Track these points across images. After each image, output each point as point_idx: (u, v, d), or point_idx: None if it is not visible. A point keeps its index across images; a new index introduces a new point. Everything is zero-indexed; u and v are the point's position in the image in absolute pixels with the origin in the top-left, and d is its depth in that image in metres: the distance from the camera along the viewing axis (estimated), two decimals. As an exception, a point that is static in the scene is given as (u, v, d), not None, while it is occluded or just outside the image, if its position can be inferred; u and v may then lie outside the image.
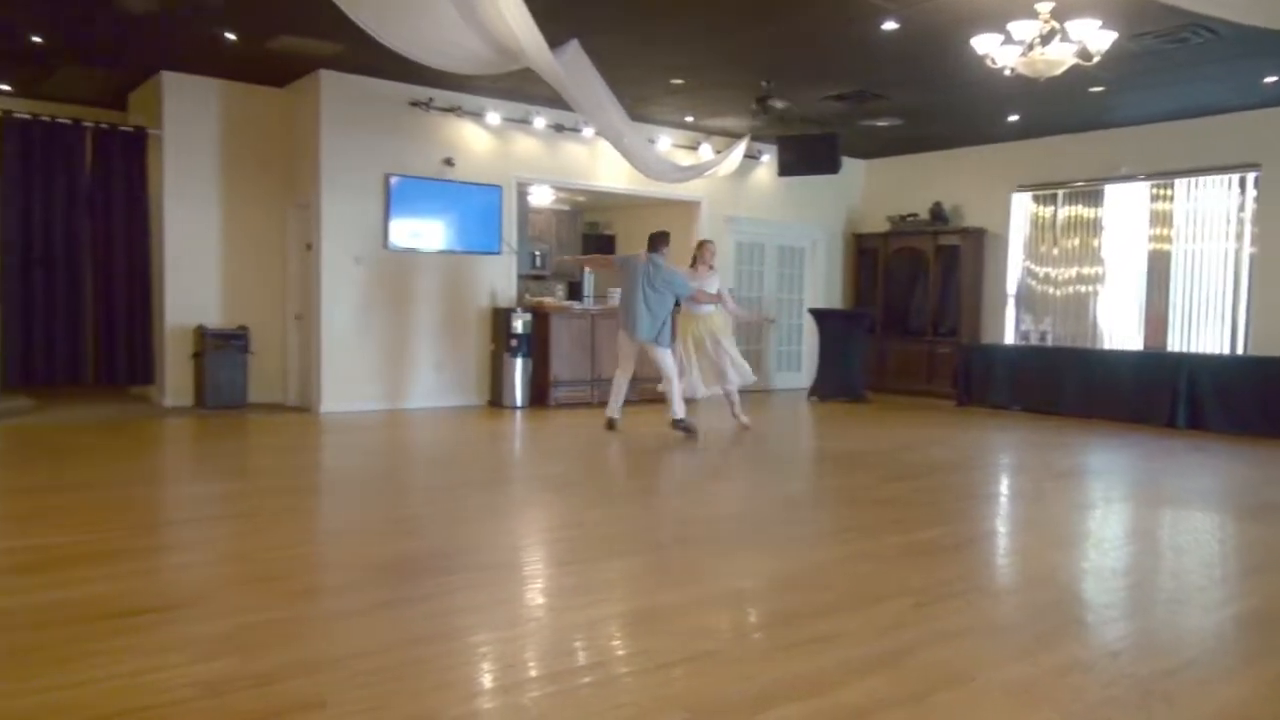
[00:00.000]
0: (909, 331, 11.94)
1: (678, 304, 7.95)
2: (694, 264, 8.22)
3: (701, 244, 8.47)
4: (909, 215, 11.99)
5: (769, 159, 11.31)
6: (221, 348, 8.81)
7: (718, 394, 8.30)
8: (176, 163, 8.79)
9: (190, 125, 8.83)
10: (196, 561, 4.10)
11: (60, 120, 8.51)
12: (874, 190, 12.68)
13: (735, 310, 8.40)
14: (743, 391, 8.38)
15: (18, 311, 8.33)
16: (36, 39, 7.75)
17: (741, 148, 9.41)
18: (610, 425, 7.94)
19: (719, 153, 10.27)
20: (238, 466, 6.62)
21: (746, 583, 3.94)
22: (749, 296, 11.96)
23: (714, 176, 10.04)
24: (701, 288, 7.94)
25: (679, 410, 7.72)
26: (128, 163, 8.80)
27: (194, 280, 8.94)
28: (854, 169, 12.29)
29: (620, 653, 3.12)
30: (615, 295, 10.54)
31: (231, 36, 7.55)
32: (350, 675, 2.77)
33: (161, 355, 8.99)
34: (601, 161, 10.22)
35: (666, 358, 7.79)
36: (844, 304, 12.64)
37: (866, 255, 12.54)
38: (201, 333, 8.81)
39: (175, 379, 8.94)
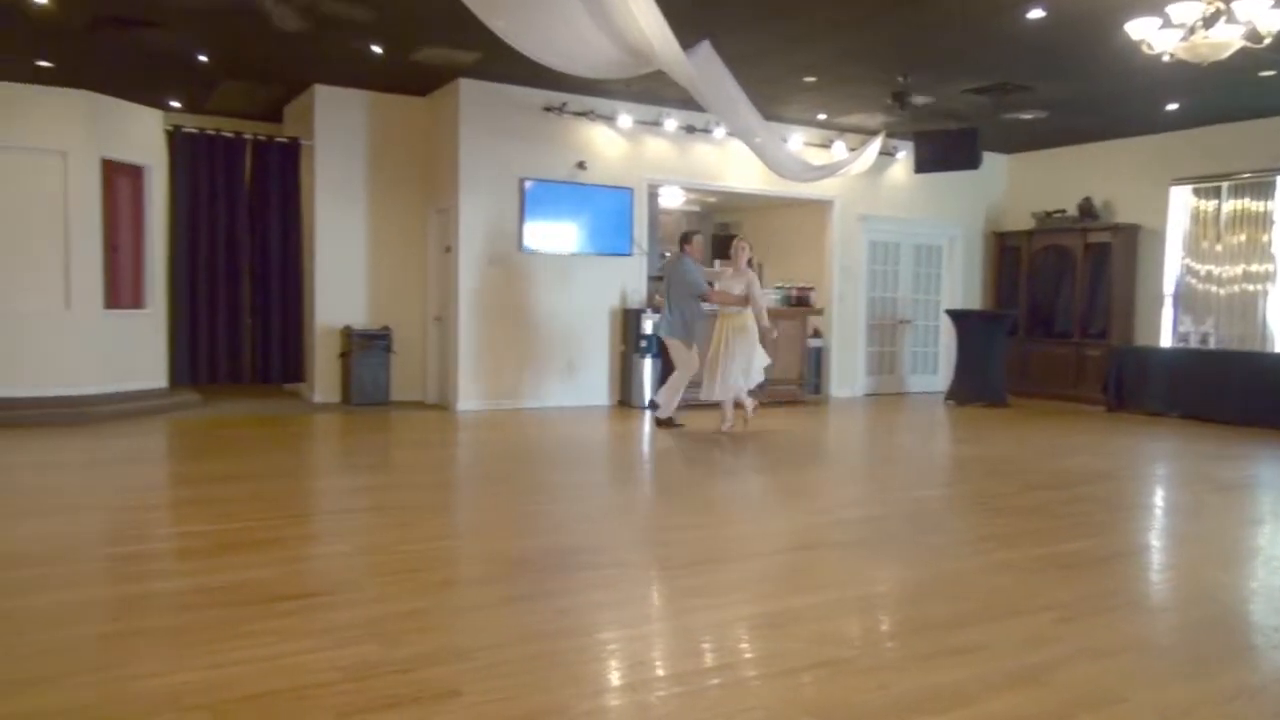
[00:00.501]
0: (1054, 333, 11.38)
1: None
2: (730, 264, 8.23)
3: (733, 242, 8.42)
4: (1055, 211, 11.43)
5: (905, 156, 11.00)
6: (366, 348, 9.23)
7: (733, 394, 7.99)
8: (327, 171, 9.26)
9: (339, 135, 9.29)
10: (341, 551, 4.30)
11: (224, 133, 9.08)
12: (1017, 186, 12.16)
13: (761, 319, 7.90)
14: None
15: (186, 314, 8.94)
16: (203, 58, 8.31)
17: (876, 145, 9.18)
18: (663, 424, 8.07)
19: (853, 150, 10.07)
20: (380, 462, 6.90)
21: (878, 589, 3.84)
22: (883, 297, 11.68)
23: (847, 175, 9.84)
24: (724, 288, 7.90)
25: (665, 410, 8.01)
26: (283, 172, 9.31)
27: (342, 283, 9.41)
28: (995, 164, 11.82)
29: (748, 655, 3.08)
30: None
31: (378, 50, 7.89)
32: (484, 666, 2.84)
33: (312, 355, 9.48)
34: (732, 162, 10.17)
35: (681, 357, 7.96)
36: (984, 304, 12.17)
37: (1008, 253, 12.03)
38: (348, 333, 9.25)
39: (324, 377, 9.42)
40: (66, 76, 8.46)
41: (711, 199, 12.22)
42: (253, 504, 5.02)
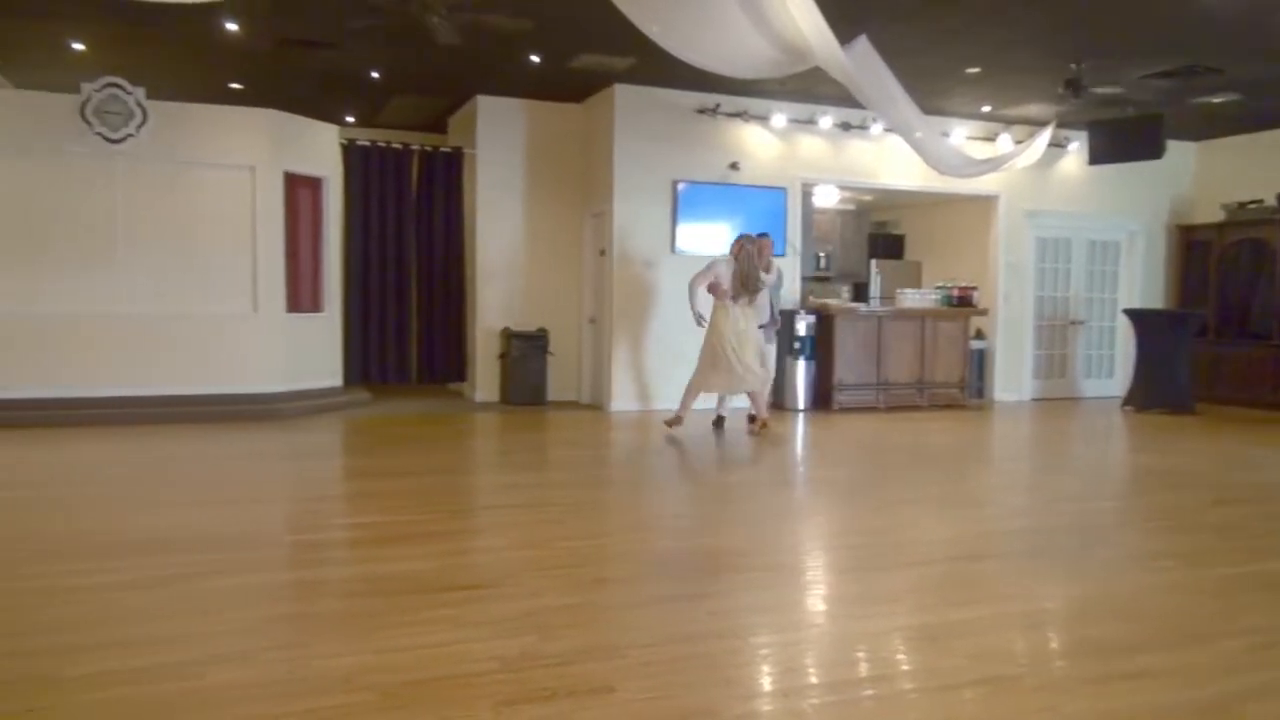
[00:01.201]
0: (1251, 334, 10.47)
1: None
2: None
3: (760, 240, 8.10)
4: (1251, 202, 10.53)
5: (1078, 146, 10.40)
6: (524, 349, 9.51)
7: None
8: (487, 178, 9.61)
9: (499, 143, 9.62)
10: (499, 546, 4.44)
11: (393, 145, 9.56)
12: (1206, 175, 11.27)
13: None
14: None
15: (358, 316, 9.47)
16: (375, 75, 8.80)
17: (1046, 136, 8.71)
18: (717, 423, 8.13)
19: (1019, 143, 9.60)
20: (535, 460, 7.09)
21: (1044, 605, 3.64)
22: (1053, 296, 11.08)
23: (1013, 169, 9.39)
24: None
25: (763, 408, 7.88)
26: (447, 180, 9.72)
27: (501, 286, 9.73)
28: (1181, 152, 10.99)
29: (905, 668, 2.99)
30: (905, 296, 10.20)
31: (536, 59, 8.12)
32: (637, 664, 2.87)
33: (473, 356, 9.86)
34: (890, 159, 9.90)
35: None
36: (1167, 303, 11.35)
37: (1196, 248, 11.17)
38: (507, 335, 9.56)
39: (484, 377, 9.77)
40: (254, 97, 9.14)
41: (868, 197, 11.92)
42: (417, 498, 5.25)
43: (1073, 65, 7.81)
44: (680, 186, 9.25)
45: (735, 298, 7.64)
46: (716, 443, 7.64)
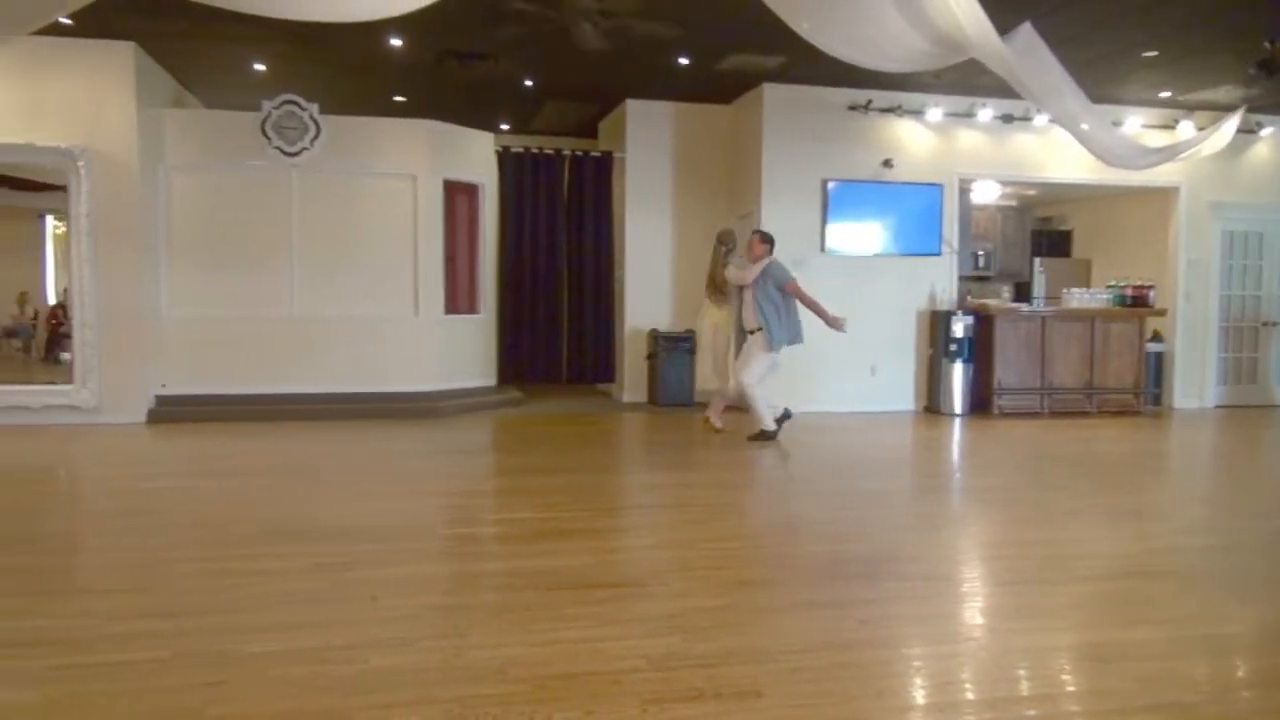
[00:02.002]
0: None
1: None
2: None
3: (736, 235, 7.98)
4: None
5: (1271, 132, 9.59)
6: (671, 350, 9.55)
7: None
8: (636, 181, 9.72)
9: (648, 146, 9.71)
10: (645, 545, 4.47)
11: (545, 151, 9.81)
12: None
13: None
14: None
15: (511, 318, 9.76)
16: (529, 83, 9.05)
17: (1234, 122, 8.05)
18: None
19: (1201, 130, 8.92)
20: (682, 461, 7.10)
21: (1226, 629, 3.36)
22: (1242, 295, 10.25)
23: (1194, 158, 8.73)
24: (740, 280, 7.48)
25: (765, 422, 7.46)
26: (597, 184, 9.89)
27: (649, 288, 9.82)
28: (1392, 137, 9.96)
29: (1070, 689, 2.82)
30: (1072, 295, 9.67)
31: (685, 61, 8.16)
32: (785, 670, 2.83)
33: (621, 357, 9.99)
34: (1057, 151, 9.40)
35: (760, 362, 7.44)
36: (1374, 303, 10.30)
37: None
38: (654, 336, 9.63)
39: (632, 378, 9.88)
40: (416, 109, 9.57)
41: (1031, 192, 11.36)
42: (567, 496, 5.36)
43: (1267, 44, 7.19)
44: (831, 185, 9.08)
45: (711, 296, 7.72)
46: (862, 446, 7.45)
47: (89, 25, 6.93)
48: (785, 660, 2.90)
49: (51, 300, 8.95)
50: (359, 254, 8.77)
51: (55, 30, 6.30)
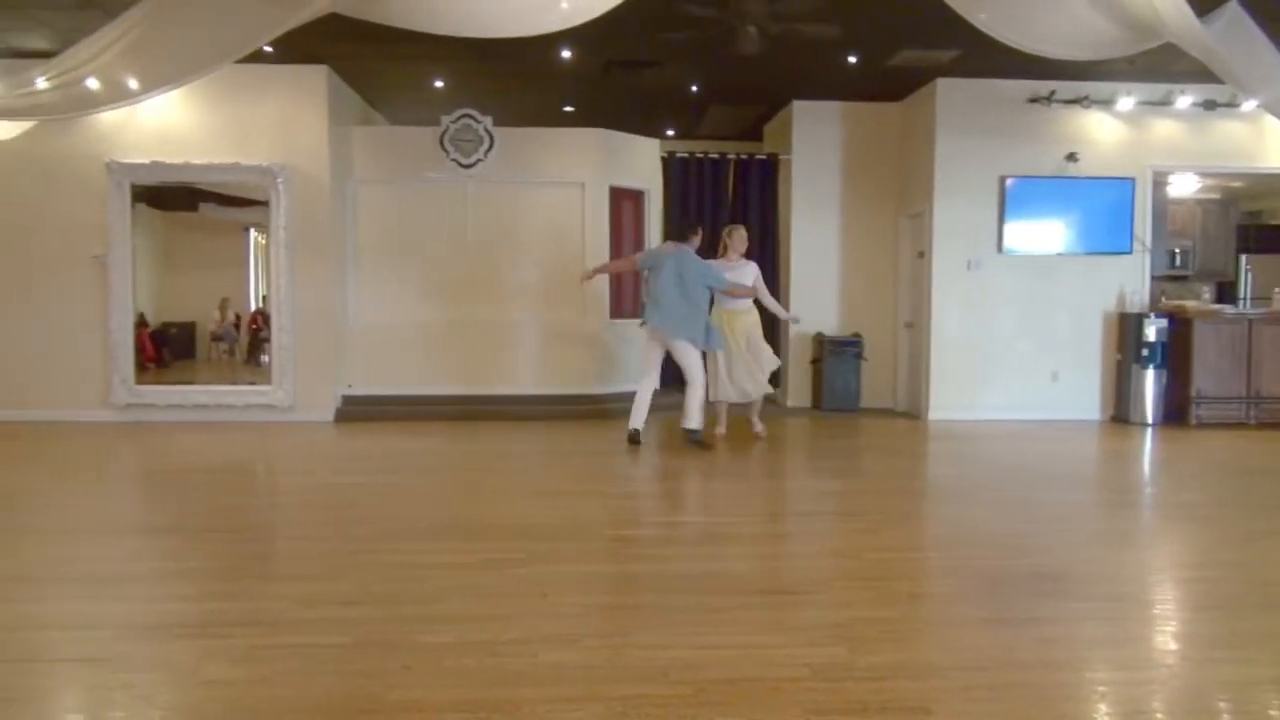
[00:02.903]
0: None
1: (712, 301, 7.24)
2: (723, 253, 7.45)
3: (730, 230, 7.56)
4: None
5: None
6: (838, 354, 9.37)
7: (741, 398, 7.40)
8: (802, 183, 9.59)
9: (814, 147, 9.57)
10: (811, 553, 4.39)
11: (710, 155, 9.82)
12: None
13: (773, 305, 7.70)
14: None
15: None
16: (694, 88, 9.10)
17: None
18: (634, 439, 7.13)
19: None
20: (848, 467, 6.95)
21: None
22: None
23: None
24: (738, 280, 7.25)
25: (695, 420, 7.10)
26: (762, 187, 9.81)
27: (814, 291, 9.66)
28: None
29: (1285, 727, 2.57)
30: (1281, 296, 8.85)
31: (854, 60, 7.99)
32: (956, 688, 2.71)
33: (785, 361, 9.86)
34: (1268, 139, 8.63)
35: (697, 360, 7.10)
36: None
37: None
38: (820, 340, 9.47)
39: (797, 383, 9.74)
40: (584, 117, 9.80)
41: (1237, 184, 10.47)
42: (730, 500, 5.34)
43: None
44: (1009, 182, 8.66)
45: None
46: (1043, 456, 7.06)
47: (286, 52, 7.48)
48: (956, 677, 2.78)
49: (253, 307, 9.72)
50: (529, 260, 9.06)
51: (257, 58, 6.83)
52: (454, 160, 8.78)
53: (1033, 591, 3.69)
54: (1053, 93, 8.53)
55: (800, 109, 9.54)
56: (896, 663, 2.90)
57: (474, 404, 8.68)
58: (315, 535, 4.65)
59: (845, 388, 9.35)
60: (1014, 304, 8.80)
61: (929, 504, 5.73)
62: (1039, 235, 8.73)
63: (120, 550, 4.32)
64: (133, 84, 6.18)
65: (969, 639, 3.17)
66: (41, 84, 6.40)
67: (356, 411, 8.62)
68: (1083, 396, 8.83)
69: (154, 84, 6.28)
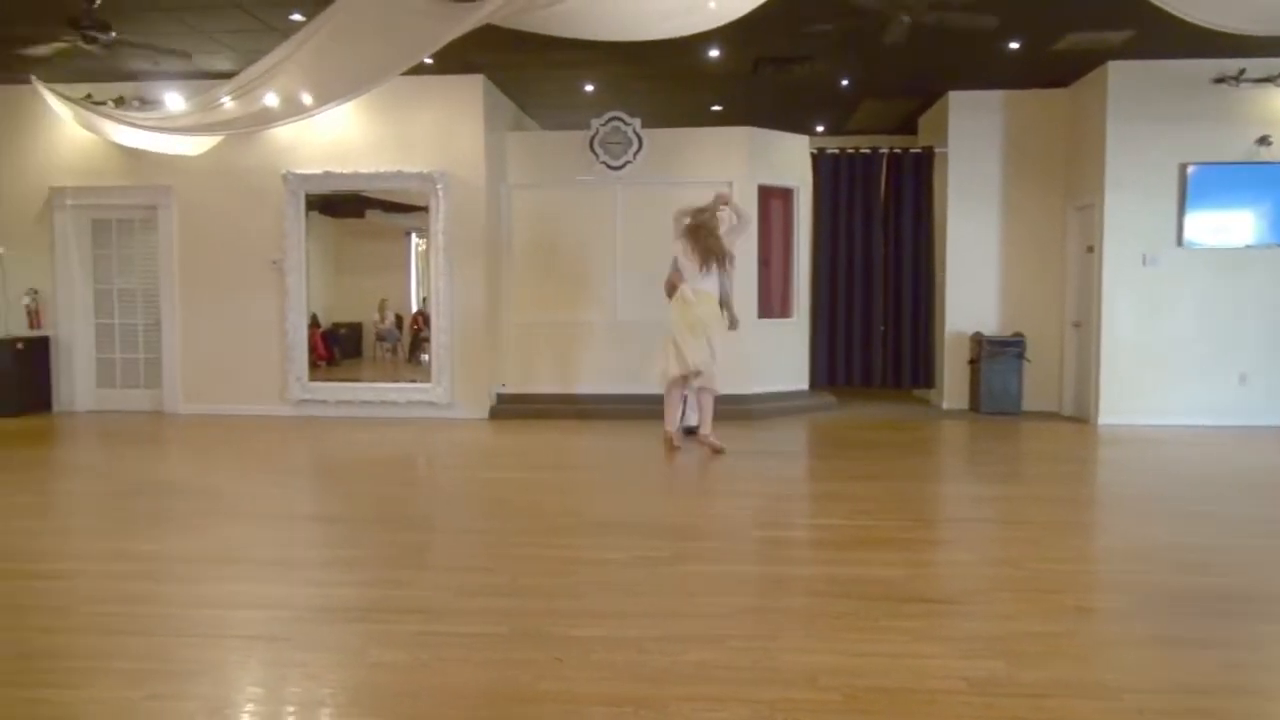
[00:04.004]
0: None
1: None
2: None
3: (714, 204, 7.10)
4: None
5: None
6: (997, 355, 8.96)
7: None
8: (959, 176, 9.24)
9: (973, 139, 9.19)
10: (967, 560, 4.22)
11: (861, 150, 9.60)
12: None
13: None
14: None
15: (825, 321, 9.65)
16: (845, 83, 8.91)
17: None
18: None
19: None
20: (1008, 473, 6.64)
21: None
22: None
23: None
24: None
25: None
26: (916, 182, 9.51)
27: (972, 289, 9.29)
28: None
29: None
30: None
31: (1015, 46, 7.63)
32: (1128, 710, 2.54)
33: (940, 361, 9.53)
34: None
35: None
36: None
37: None
38: (978, 340, 9.09)
39: (952, 383, 9.39)
40: (732, 116, 9.77)
41: None
42: (881, 503, 5.20)
43: None
44: (1191, 170, 8.07)
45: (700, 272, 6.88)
46: (1230, 465, 6.53)
47: (445, 63, 7.79)
48: (1128, 699, 2.61)
49: (414, 308, 10.20)
50: (677, 261, 9.09)
51: (418, 70, 7.14)
52: (603, 163, 8.92)
53: (1216, 612, 3.41)
54: (1242, 71, 7.88)
55: (957, 99, 9.19)
56: (1061, 680, 2.75)
57: (623, 403, 8.79)
58: (472, 528, 4.82)
59: (1005, 390, 8.94)
60: (1195, 300, 8.19)
61: (1098, 513, 5.40)
62: (1225, 226, 8.09)
63: (296, 536, 4.61)
64: (307, 99, 6.59)
65: (1143, 659, 2.97)
66: (226, 102, 6.92)
67: (510, 409, 8.89)
68: (1275, 400, 8.13)
69: (326, 99, 6.69)
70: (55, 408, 9.22)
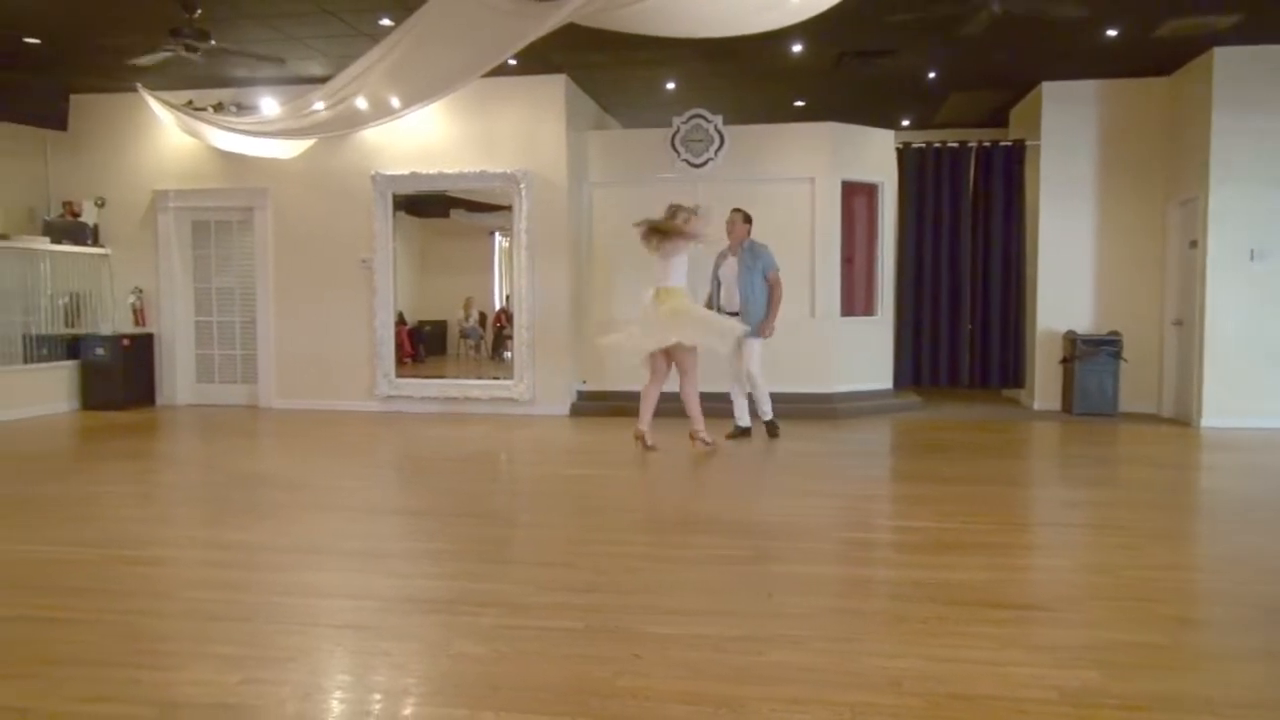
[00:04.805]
0: None
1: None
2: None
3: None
4: None
5: None
6: (1091, 354, 8.66)
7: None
8: (1052, 169, 8.95)
9: (1067, 130, 8.90)
10: (1058, 566, 4.08)
11: (949, 144, 9.37)
12: None
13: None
14: None
15: (910, 319, 9.46)
16: (932, 75, 8.72)
17: None
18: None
19: None
20: (1103, 476, 6.40)
21: None
22: None
23: None
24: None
25: (768, 410, 7.35)
26: (1006, 176, 9.25)
27: (1065, 285, 9.00)
28: None
29: None
30: None
31: (1112, 33, 7.35)
32: (1232, 726, 2.43)
33: (1031, 360, 9.25)
34: None
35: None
36: None
37: None
38: (1071, 338, 8.80)
39: (1044, 384, 9.12)
40: (815, 111, 9.65)
41: None
42: (968, 506, 5.07)
43: None
44: (1301, 160, 7.67)
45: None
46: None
47: (527, 63, 7.88)
48: (1231, 714, 2.49)
49: (497, 306, 10.35)
50: (758, 258, 9.02)
51: (501, 70, 7.24)
52: (685, 160, 8.91)
53: (1330, 625, 3.23)
54: (1359, 56, 7.47)
55: (1051, 90, 8.91)
56: (1159, 693, 2.63)
57: (703, 401, 8.75)
58: (552, 523, 4.87)
59: (1100, 390, 8.64)
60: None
61: (1201, 521, 5.17)
62: (1340, 219, 7.67)
63: (383, 528, 4.72)
64: (395, 101, 6.75)
65: (1247, 674, 2.83)
66: (318, 106, 7.12)
67: (590, 406, 8.95)
68: (1397, 404, 7.68)
69: (413, 100, 6.83)
70: (158, 401, 9.64)
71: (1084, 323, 8.94)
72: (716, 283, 7.57)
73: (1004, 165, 9.24)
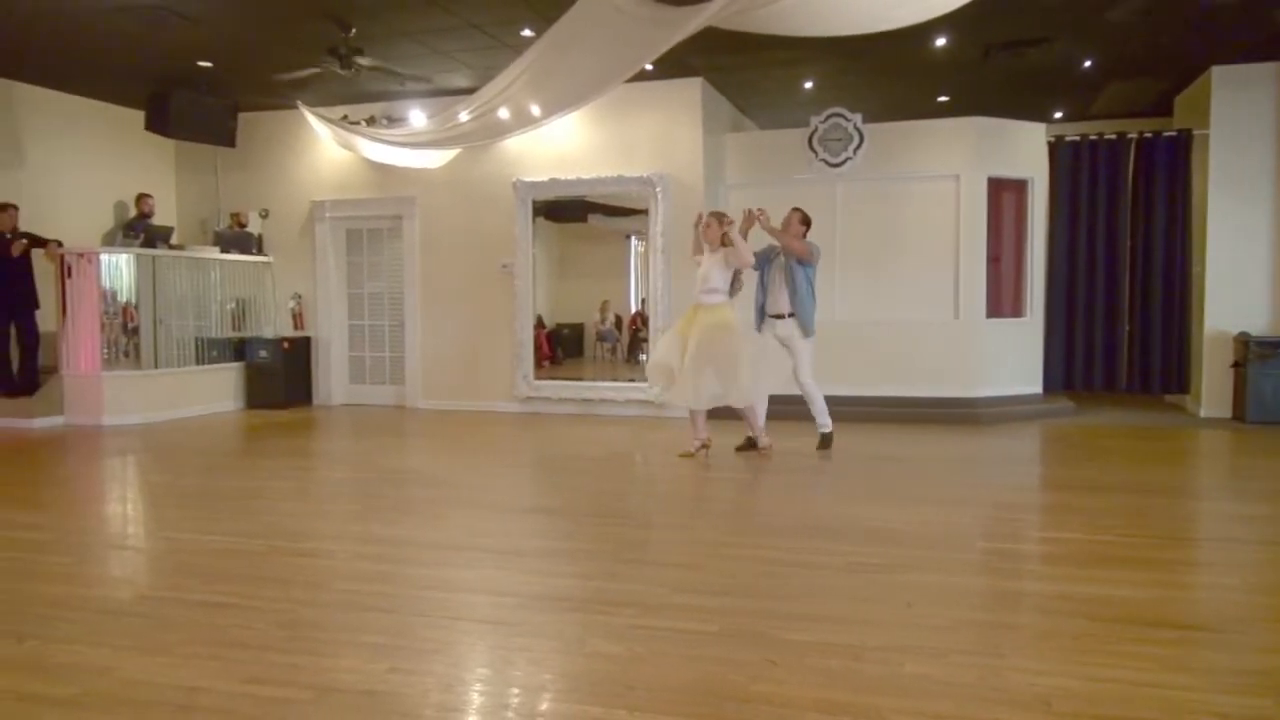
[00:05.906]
0: None
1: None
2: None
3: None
4: None
5: None
6: (1267, 358, 8.04)
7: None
8: (1224, 160, 8.36)
9: (1240, 118, 8.30)
10: (1226, 585, 3.80)
11: (1105, 136, 8.88)
12: None
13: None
14: None
15: (1062, 321, 9.01)
16: (1086, 64, 8.28)
17: None
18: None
19: None
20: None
21: None
22: None
23: None
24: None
25: (826, 421, 6.94)
26: (1170, 168, 8.69)
27: (1237, 284, 8.39)
28: None
29: None
30: None
31: (1290, 11, 6.82)
32: None
33: (1198, 364, 8.66)
34: None
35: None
36: None
37: None
38: (1244, 340, 8.19)
39: (1212, 389, 8.52)
40: (960, 106, 9.32)
41: None
42: (1125, 518, 4.79)
43: None
44: None
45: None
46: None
47: (664, 68, 7.93)
48: None
49: (634, 309, 10.46)
50: (899, 258, 8.81)
51: (638, 75, 7.32)
52: (822, 160, 8.78)
53: None
54: None
55: (1221, 75, 8.32)
56: (1346, 727, 2.42)
57: (840, 405, 8.59)
58: (685, 525, 4.88)
59: (1277, 396, 8.01)
60: None
61: (1394, 540, 4.71)
62: None
63: (521, 526, 4.85)
64: (536, 110, 6.92)
65: None
66: (463, 117, 7.38)
67: (722, 410, 8.88)
68: None
69: (553, 109, 6.99)
70: (315, 401, 10.20)
71: (1259, 323, 8.30)
72: (763, 287, 7.01)
73: (1167, 157, 8.69)
